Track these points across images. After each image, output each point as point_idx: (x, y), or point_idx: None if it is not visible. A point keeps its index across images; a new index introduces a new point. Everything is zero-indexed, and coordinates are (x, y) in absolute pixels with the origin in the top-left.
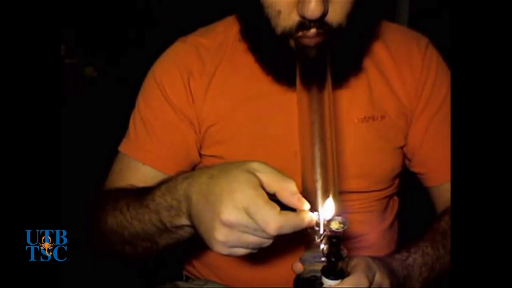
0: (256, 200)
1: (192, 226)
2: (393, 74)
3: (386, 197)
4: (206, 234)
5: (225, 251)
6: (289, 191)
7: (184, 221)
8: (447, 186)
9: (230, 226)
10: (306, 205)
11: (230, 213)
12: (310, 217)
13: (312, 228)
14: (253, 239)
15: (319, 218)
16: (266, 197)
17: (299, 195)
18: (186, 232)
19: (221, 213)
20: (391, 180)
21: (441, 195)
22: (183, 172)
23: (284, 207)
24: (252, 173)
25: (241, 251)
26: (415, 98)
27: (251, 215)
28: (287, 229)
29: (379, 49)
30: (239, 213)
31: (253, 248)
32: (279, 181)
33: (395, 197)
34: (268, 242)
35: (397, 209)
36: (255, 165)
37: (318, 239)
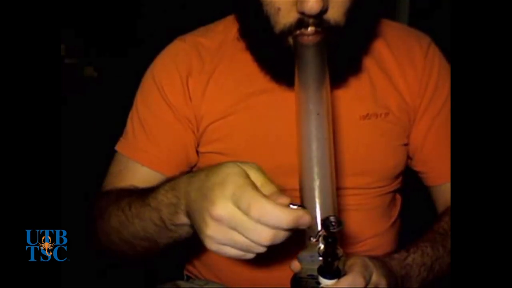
0: (246, 188)
1: (191, 224)
2: (395, 71)
3: (388, 193)
4: (198, 229)
5: (214, 247)
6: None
7: (183, 218)
8: (448, 186)
9: (218, 220)
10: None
11: (219, 206)
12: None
13: (308, 227)
14: (239, 239)
15: (316, 218)
16: (255, 186)
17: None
18: (184, 232)
19: (210, 206)
20: (394, 178)
21: (442, 195)
22: (186, 172)
23: None
24: (243, 168)
25: (230, 251)
26: (417, 97)
27: (245, 207)
28: (282, 222)
29: (380, 47)
30: (227, 206)
31: (241, 249)
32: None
33: (398, 195)
34: (257, 247)
35: (400, 208)
36: (249, 164)
37: (314, 239)
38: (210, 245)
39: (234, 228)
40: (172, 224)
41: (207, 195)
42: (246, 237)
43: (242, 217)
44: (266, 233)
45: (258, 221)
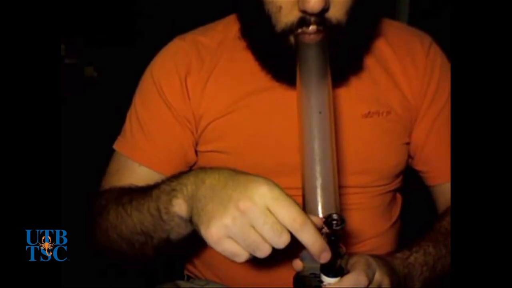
0: (285, 197)
1: (188, 214)
2: (396, 70)
3: (389, 191)
4: (210, 214)
5: (216, 237)
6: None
7: (180, 205)
8: (449, 185)
9: (243, 211)
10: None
11: (251, 200)
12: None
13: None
14: (253, 236)
15: (318, 216)
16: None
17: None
18: (175, 224)
19: (240, 196)
20: (395, 176)
21: (442, 194)
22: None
23: None
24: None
25: (231, 246)
26: (419, 96)
27: (274, 207)
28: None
29: (381, 45)
30: (257, 202)
31: (245, 247)
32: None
33: (398, 194)
34: (264, 248)
35: (401, 208)
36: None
37: None
38: (216, 233)
39: (253, 225)
40: (166, 213)
41: (237, 187)
42: (262, 235)
43: (272, 218)
44: (286, 239)
45: (293, 230)
